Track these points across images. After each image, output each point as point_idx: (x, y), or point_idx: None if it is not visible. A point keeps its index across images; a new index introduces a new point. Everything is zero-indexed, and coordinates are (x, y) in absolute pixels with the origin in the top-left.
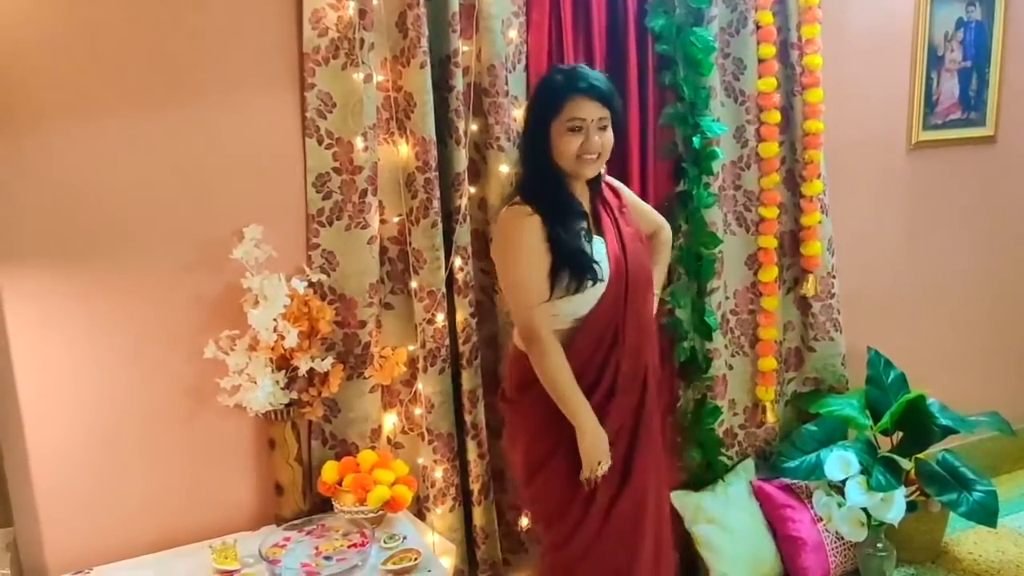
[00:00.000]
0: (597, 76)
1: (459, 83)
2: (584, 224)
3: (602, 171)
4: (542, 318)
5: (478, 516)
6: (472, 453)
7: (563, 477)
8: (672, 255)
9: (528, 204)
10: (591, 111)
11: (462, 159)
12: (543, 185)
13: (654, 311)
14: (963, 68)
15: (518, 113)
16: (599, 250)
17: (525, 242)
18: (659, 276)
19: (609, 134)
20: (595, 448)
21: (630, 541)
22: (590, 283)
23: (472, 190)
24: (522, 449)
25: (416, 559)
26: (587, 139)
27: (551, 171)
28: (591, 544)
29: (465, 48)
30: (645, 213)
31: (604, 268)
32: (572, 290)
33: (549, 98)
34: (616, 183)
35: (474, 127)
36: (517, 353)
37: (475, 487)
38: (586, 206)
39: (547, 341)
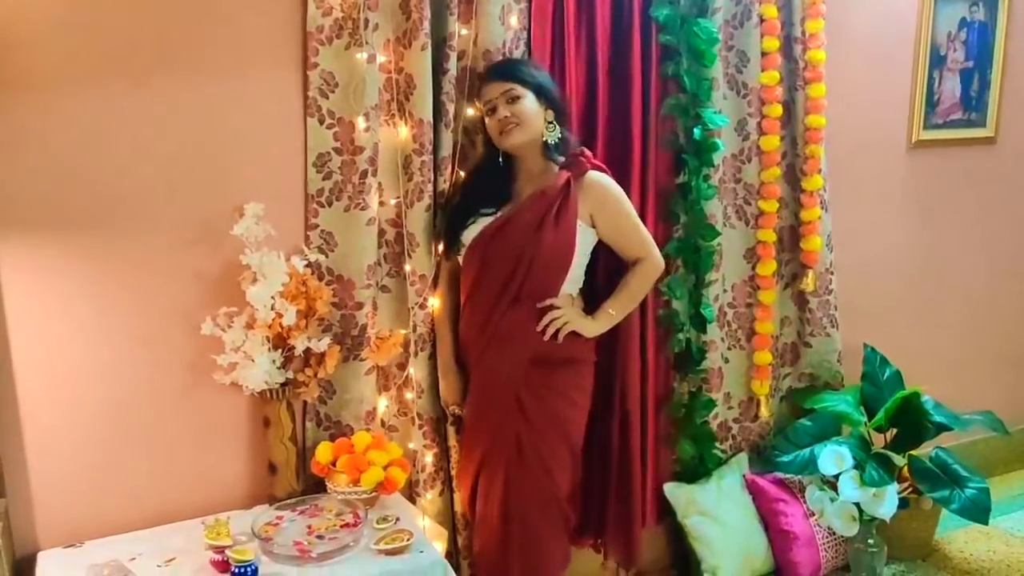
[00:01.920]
0: (507, 60)
1: (453, 66)
2: (488, 206)
3: (568, 148)
4: (442, 267)
5: (459, 503)
6: (452, 439)
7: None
8: (671, 246)
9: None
10: (495, 89)
11: (449, 143)
12: (476, 170)
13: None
14: (965, 68)
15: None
16: (479, 228)
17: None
18: (622, 295)
19: (522, 104)
20: (441, 385)
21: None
22: (452, 252)
23: (463, 173)
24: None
25: (408, 540)
26: (498, 114)
27: (496, 156)
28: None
29: (463, 32)
30: (629, 236)
31: (466, 242)
32: (443, 253)
33: (477, 93)
34: (603, 192)
35: (469, 112)
36: None
37: (455, 472)
38: (528, 179)
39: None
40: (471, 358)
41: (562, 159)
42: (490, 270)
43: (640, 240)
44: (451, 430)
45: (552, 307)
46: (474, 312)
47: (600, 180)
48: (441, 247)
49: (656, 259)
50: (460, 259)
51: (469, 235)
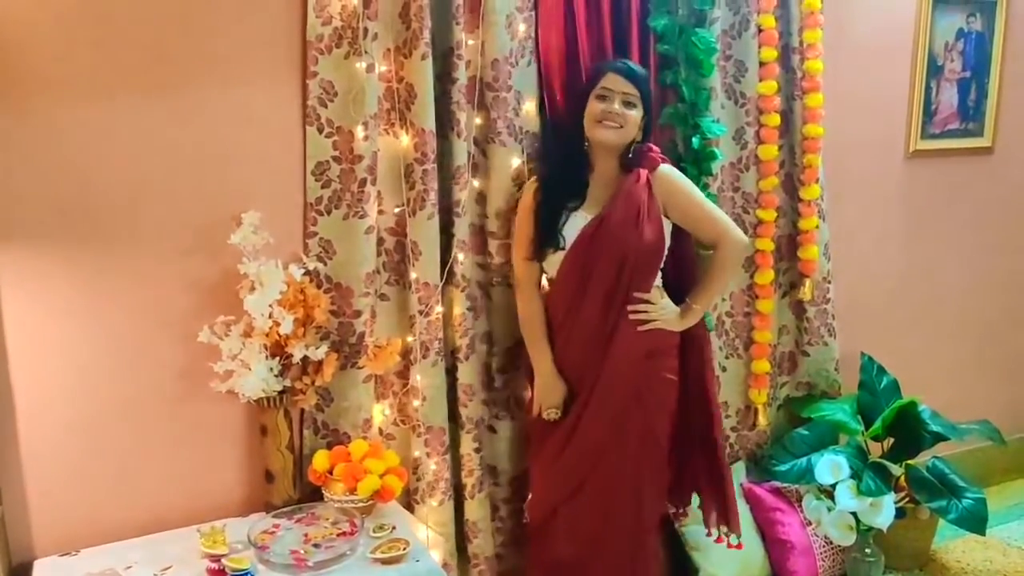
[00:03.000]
0: (637, 66)
1: (462, 76)
2: (573, 200)
3: (646, 154)
4: (524, 271)
5: (471, 510)
6: (466, 447)
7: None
8: None
9: (534, 183)
10: (618, 84)
11: (463, 152)
12: (558, 161)
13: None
14: (962, 78)
15: (529, 107)
16: (574, 224)
17: (519, 209)
18: (706, 290)
19: (634, 112)
20: (543, 391)
21: (573, 487)
22: (550, 251)
23: (476, 183)
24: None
25: (405, 548)
26: (609, 105)
27: (574, 140)
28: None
29: (470, 41)
30: (702, 222)
31: (568, 239)
32: (530, 255)
33: (592, 75)
34: (672, 183)
35: (477, 121)
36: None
37: (468, 481)
38: (601, 182)
39: (523, 290)
40: (578, 362)
41: (631, 160)
42: (594, 273)
43: (713, 223)
44: (466, 438)
45: (647, 302)
46: (582, 318)
47: (669, 172)
48: (527, 247)
49: (734, 238)
50: (545, 262)
51: (569, 231)
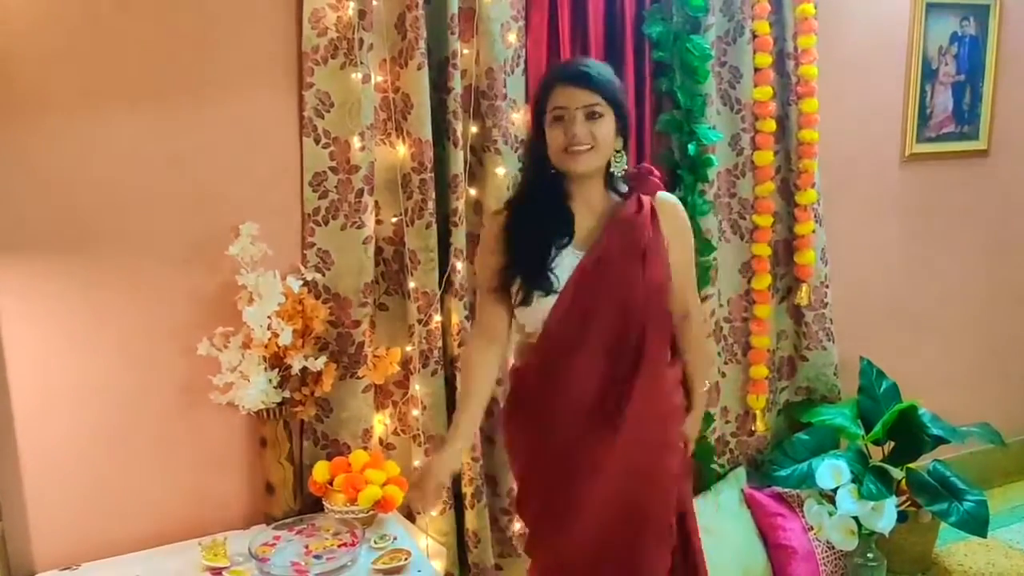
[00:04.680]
0: (592, 64)
1: (457, 85)
2: (561, 235)
3: (648, 177)
4: (489, 310)
5: (471, 520)
6: (465, 456)
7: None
8: None
9: (507, 204)
10: (574, 98)
11: (459, 161)
12: (530, 187)
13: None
14: (957, 82)
15: (516, 116)
16: (566, 263)
17: (485, 234)
18: (699, 368)
19: (603, 124)
20: (439, 474)
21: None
22: (540, 294)
23: (473, 191)
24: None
25: (406, 559)
26: (569, 128)
27: (546, 170)
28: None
29: (465, 51)
30: (685, 278)
31: (559, 281)
32: (521, 300)
33: (539, 94)
34: (680, 216)
35: (473, 129)
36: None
37: (468, 491)
38: (586, 211)
39: (482, 333)
40: (571, 435)
41: (624, 188)
42: (594, 322)
43: (693, 286)
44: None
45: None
46: (577, 378)
47: (675, 202)
48: (492, 277)
49: (700, 317)
50: (523, 309)
51: (562, 272)
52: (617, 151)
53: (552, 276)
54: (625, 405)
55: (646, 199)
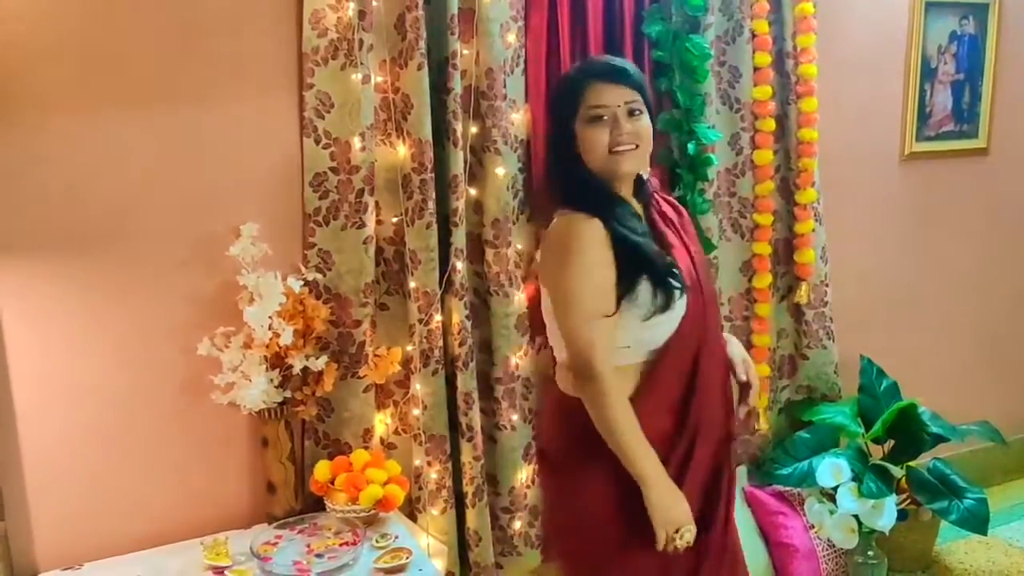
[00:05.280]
0: (618, 60)
1: (457, 86)
2: (645, 230)
3: (649, 178)
4: (602, 346)
5: (471, 519)
6: (467, 455)
7: (626, 552)
8: None
9: (581, 210)
10: (614, 95)
11: (459, 161)
12: (584, 189)
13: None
14: (956, 80)
15: (516, 117)
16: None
17: (585, 248)
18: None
19: (645, 120)
20: (669, 509)
21: None
22: (678, 293)
23: (472, 191)
24: (576, 522)
25: (407, 558)
26: (616, 127)
27: (587, 177)
28: None
29: (464, 51)
30: None
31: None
32: (661, 306)
33: (566, 93)
34: (674, 201)
35: (473, 130)
36: (561, 397)
37: (469, 489)
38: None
39: (607, 378)
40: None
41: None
42: (708, 331)
43: None
44: (467, 447)
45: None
46: (708, 390)
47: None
48: (608, 300)
49: None
50: (656, 319)
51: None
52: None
53: (679, 272)
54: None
55: (675, 202)
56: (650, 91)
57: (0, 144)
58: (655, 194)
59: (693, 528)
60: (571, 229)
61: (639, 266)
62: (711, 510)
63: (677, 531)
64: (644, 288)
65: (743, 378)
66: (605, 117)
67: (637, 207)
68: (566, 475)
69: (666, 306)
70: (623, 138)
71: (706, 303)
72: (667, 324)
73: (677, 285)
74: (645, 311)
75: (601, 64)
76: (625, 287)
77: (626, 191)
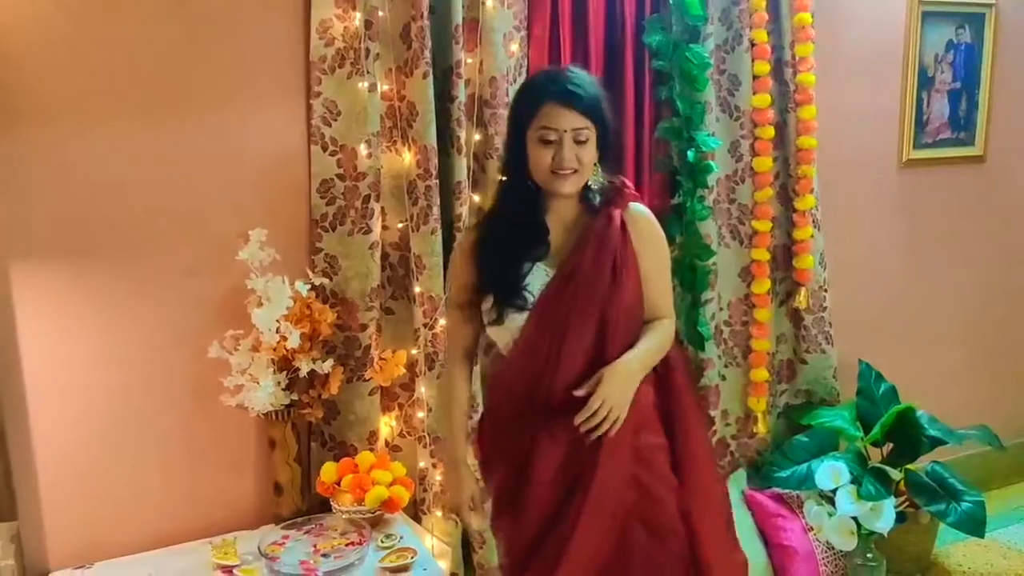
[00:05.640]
0: (581, 80)
1: (461, 94)
2: (535, 250)
3: (620, 184)
4: (451, 330)
5: (475, 521)
6: (470, 458)
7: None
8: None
9: (480, 220)
10: (565, 120)
11: (463, 168)
12: (504, 203)
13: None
14: (953, 89)
15: None
16: (538, 279)
17: (455, 250)
18: (639, 352)
19: (588, 148)
20: (462, 482)
21: None
22: (513, 311)
23: (476, 198)
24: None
25: (412, 558)
26: (559, 152)
27: (523, 184)
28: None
29: (468, 60)
30: (659, 288)
31: (532, 297)
32: (493, 318)
33: (524, 103)
34: (651, 227)
35: (476, 137)
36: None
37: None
38: (560, 226)
39: (449, 357)
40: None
41: (598, 198)
42: (567, 340)
43: (668, 295)
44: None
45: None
46: (554, 398)
47: (646, 213)
48: (460, 292)
49: (673, 324)
50: (495, 327)
51: (534, 286)
52: (594, 163)
53: (526, 293)
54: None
55: (617, 213)
56: (608, 106)
57: (14, 152)
58: (615, 211)
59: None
60: (462, 233)
61: (489, 281)
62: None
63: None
64: (489, 298)
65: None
66: (553, 139)
67: (560, 216)
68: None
69: (497, 321)
70: (564, 163)
71: (571, 318)
72: (506, 332)
73: (514, 305)
74: (486, 318)
75: (560, 84)
76: (481, 293)
77: (566, 202)
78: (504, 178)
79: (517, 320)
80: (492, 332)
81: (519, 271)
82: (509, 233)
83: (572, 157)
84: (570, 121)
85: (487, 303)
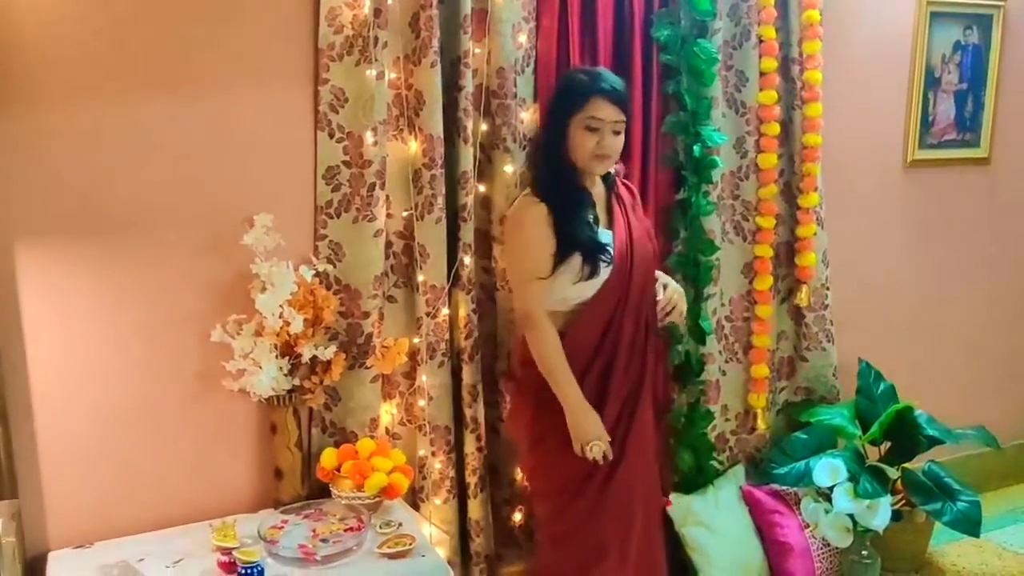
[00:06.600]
0: (617, 80)
1: (469, 84)
2: (593, 214)
3: (617, 170)
4: (538, 300)
5: (473, 509)
6: (470, 447)
7: (559, 452)
8: (671, 260)
9: (537, 195)
10: (609, 113)
11: (469, 158)
12: (554, 179)
13: (657, 313)
14: (959, 90)
15: (525, 115)
16: (607, 239)
17: (528, 225)
18: (667, 278)
19: (621, 138)
20: (581, 427)
21: (621, 520)
22: (604, 265)
23: (481, 188)
24: (524, 423)
25: (411, 544)
26: (603, 139)
27: (563, 166)
28: (584, 519)
29: (477, 50)
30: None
31: (611, 250)
32: (587, 274)
33: (572, 95)
34: (631, 186)
35: (483, 127)
36: (521, 334)
37: (471, 480)
38: (598, 199)
39: (542, 321)
40: (618, 391)
41: (609, 177)
42: (631, 290)
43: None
44: (470, 438)
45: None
46: (625, 340)
47: (631, 188)
48: (545, 265)
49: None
50: (586, 283)
51: (610, 243)
52: None
53: (609, 251)
54: (647, 354)
55: (631, 186)
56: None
57: (26, 132)
58: (619, 179)
59: (602, 443)
60: (523, 210)
61: (573, 244)
62: (630, 414)
63: (588, 444)
64: (576, 261)
65: (662, 303)
66: (597, 127)
67: (602, 190)
68: (521, 387)
69: (591, 275)
70: (604, 149)
71: (634, 265)
72: (591, 286)
73: (604, 260)
74: (575, 277)
75: (608, 83)
76: (561, 258)
77: (592, 181)
78: (545, 159)
79: (605, 273)
80: (580, 287)
81: (594, 234)
82: (576, 205)
83: (611, 144)
84: (613, 114)
85: (573, 263)
